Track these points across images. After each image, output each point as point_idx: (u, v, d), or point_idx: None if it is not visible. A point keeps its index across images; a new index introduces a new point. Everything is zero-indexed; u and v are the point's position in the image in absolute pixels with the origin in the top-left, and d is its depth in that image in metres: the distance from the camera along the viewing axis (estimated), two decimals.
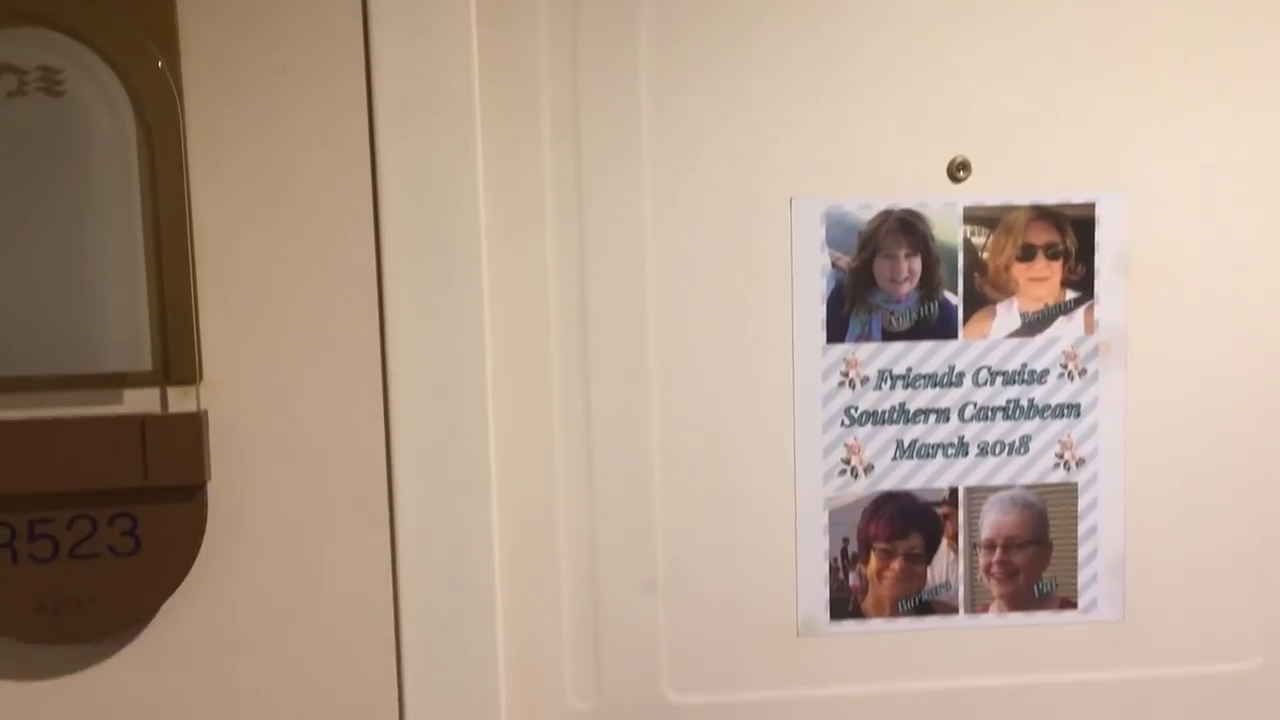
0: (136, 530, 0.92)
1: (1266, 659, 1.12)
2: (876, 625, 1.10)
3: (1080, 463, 1.10)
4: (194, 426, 0.91)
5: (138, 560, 0.92)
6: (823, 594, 1.09)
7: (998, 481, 1.10)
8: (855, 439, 1.08)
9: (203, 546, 0.95)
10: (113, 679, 0.96)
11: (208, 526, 0.95)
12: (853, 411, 1.08)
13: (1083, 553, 1.11)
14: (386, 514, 0.99)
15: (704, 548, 1.07)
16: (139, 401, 0.93)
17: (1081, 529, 1.10)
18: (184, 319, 0.92)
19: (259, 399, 0.96)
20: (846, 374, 1.08)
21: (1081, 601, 1.11)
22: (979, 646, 1.11)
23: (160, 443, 0.91)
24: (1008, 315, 1.08)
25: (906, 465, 1.09)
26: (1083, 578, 1.11)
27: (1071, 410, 1.09)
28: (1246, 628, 1.12)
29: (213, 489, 0.95)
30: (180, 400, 0.93)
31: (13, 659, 0.94)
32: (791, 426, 1.08)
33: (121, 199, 0.91)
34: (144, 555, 0.92)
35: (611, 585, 1.07)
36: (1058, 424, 1.09)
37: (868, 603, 1.10)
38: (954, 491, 1.09)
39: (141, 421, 0.91)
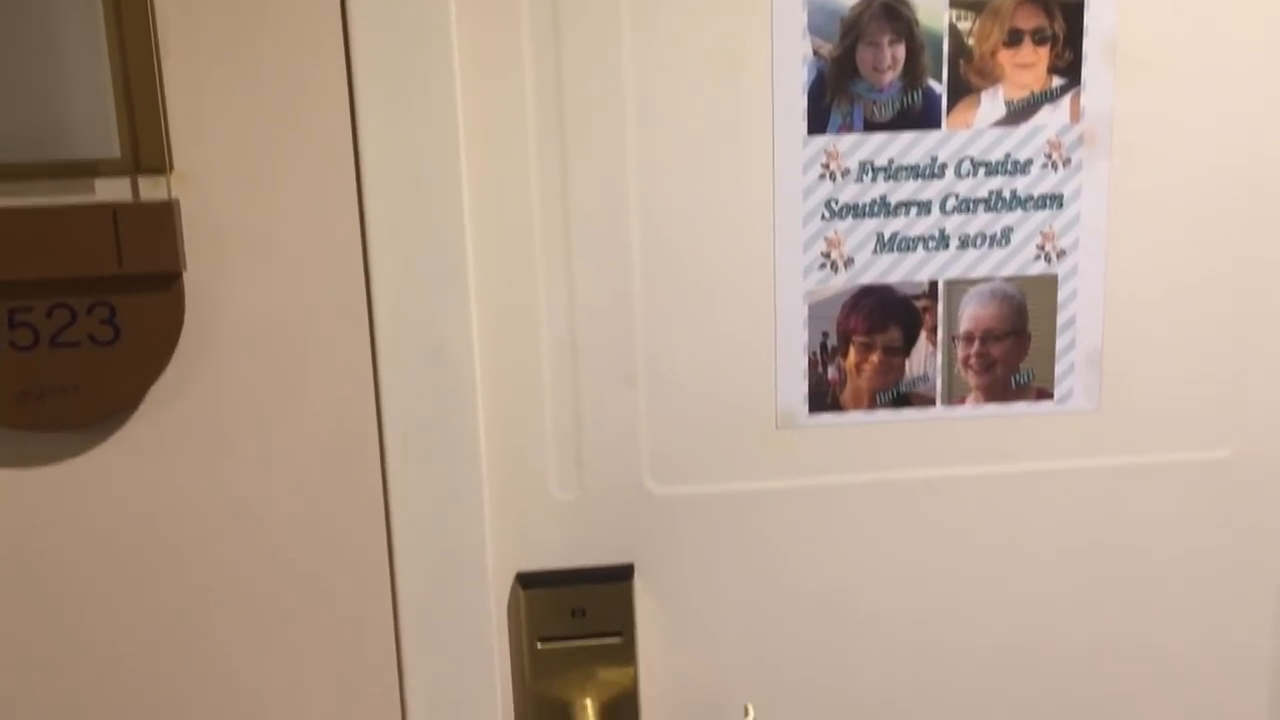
0: (115, 319, 0.92)
1: (1236, 448, 1.14)
2: (854, 417, 1.11)
3: (1061, 254, 1.10)
4: (166, 214, 0.91)
5: (118, 349, 0.93)
6: (801, 387, 1.10)
7: (978, 274, 1.10)
8: (835, 232, 1.08)
9: (182, 337, 0.96)
10: (101, 467, 0.98)
11: (185, 317, 0.95)
12: (833, 204, 1.07)
13: (1060, 344, 1.11)
14: (364, 306, 0.99)
15: (684, 341, 1.08)
16: (111, 192, 0.93)
17: (1060, 320, 1.11)
18: (150, 106, 0.91)
19: (232, 190, 0.95)
20: (827, 166, 1.07)
21: (1058, 392, 1.12)
22: (956, 437, 1.13)
23: (133, 230, 0.90)
24: (992, 104, 1.06)
25: (887, 259, 1.09)
26: (1060, 369, 1.12)
27: (1054, 201, 1.08)
28: (1218, 418, 1.14)
29: (189, 279, 0.95)
30: (152, 189, 0.93)
31: (2, 446, 0.96)
32: (771, 219, 1.07)
33: None
34: (124, 344, 0.93)
35: (592, 378, 1.08)
36: (1040, 215, 1.09)
37: (846, 395, 1.11)
38: (934, 284, 1.10)
39: (113, 210, 0.90)
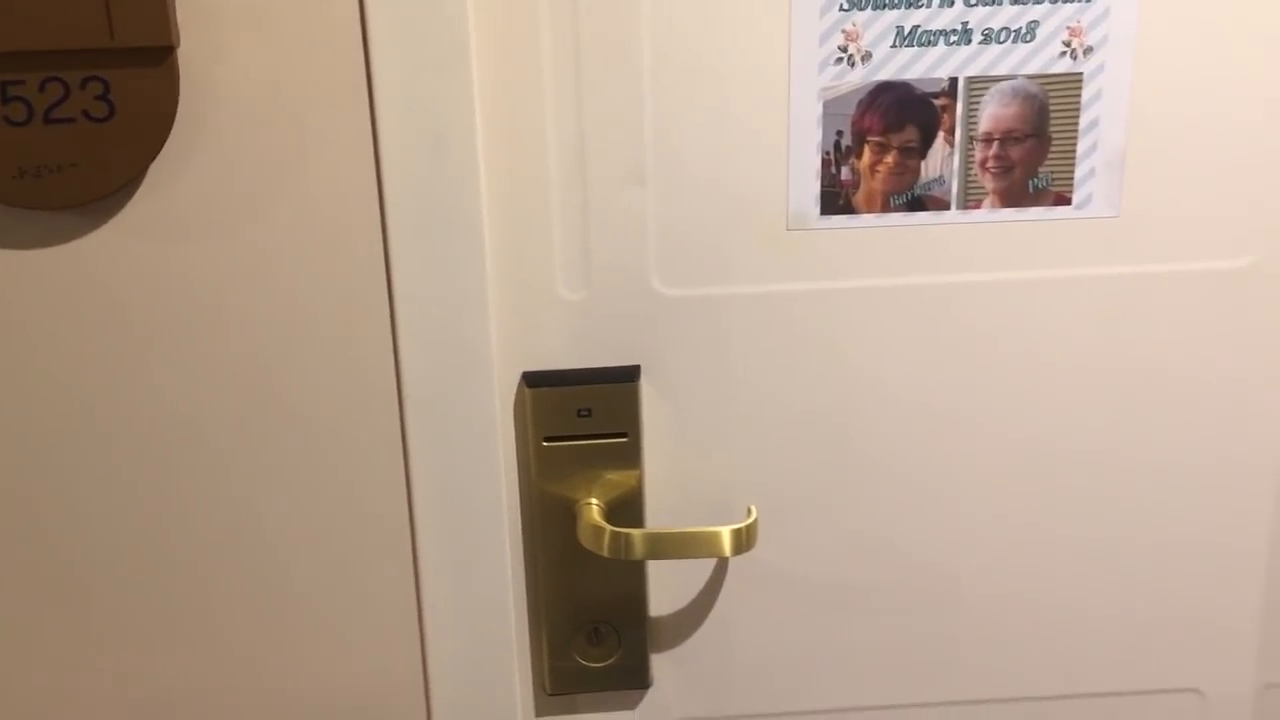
0: (109, 95, 0.91)
1: (1259, 256, 1.11)
2: (867, 220, 1.09)
3: (1088, 51, 1.05)
4: None
5: (113, 126, 0.91)
6: (814, 187, 1.08)
7: (1000, 71, 1.06)
8: (854, 25, 1.04)
9: (178, 116, 0.94)
10: (102, 245, 0.97)
11: (181, 94, 0.93)
12: None
13: (1082, 147, 1.08)
14: (365, 91, 0.97)
15: (694, 140, 1.05)
16: None
17: (1083, 122, 1.07)
18: None
19: None
20: None
21: (1076, 197, 1.09)
22: (970, 242, 1.10)
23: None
24: None
25: (906, 53, 1.05)
26: (1080, 173, 1.09)
27: None
28: (1242, 226, 1.11)
29: (183, 55, 0.93)
30: None
31: (3, 226, 0.96)
32: (787, 10, 1.03)
33: None
34: (119, 121, 0.91)
35: (600, 177, 1.06)
36: (1068, 9, 1.04)
37: (859, 197, 1.08)
38: (954, 82, 1.06)
39: None
